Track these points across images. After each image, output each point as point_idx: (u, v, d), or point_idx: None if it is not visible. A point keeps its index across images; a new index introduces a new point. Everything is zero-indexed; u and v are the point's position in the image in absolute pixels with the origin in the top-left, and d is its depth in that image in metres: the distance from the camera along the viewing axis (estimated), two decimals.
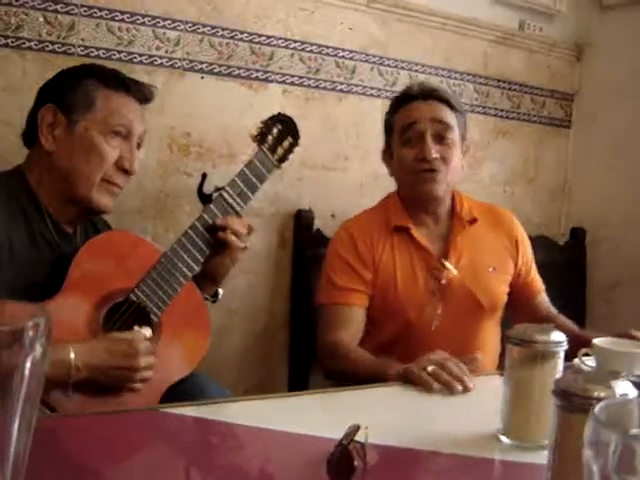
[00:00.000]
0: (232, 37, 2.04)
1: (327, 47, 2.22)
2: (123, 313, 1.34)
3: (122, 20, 1.86)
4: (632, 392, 0.75)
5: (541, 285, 1.84)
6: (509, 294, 1.78)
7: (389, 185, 1.83)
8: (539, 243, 2.53)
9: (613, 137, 2.71)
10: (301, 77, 2.18)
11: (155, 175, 1.97)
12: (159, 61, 1.94)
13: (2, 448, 0.52)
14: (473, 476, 0.93)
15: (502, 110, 2.65)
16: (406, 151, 1.71)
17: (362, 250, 1.70)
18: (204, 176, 1.51)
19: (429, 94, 1.73)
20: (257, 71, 2.10)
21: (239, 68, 2.07)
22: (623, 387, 0.75)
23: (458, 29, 2.48)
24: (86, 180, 1.37)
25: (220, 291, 1.60)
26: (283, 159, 1.61)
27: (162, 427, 1.05)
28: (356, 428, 0.85)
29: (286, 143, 1.61)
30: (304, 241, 2.16)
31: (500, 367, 1.70)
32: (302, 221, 2.17)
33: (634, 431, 0.49)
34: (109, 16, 1.84)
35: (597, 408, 0.47)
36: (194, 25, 1.98)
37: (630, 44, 2.63)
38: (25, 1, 1.73)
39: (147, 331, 1.32)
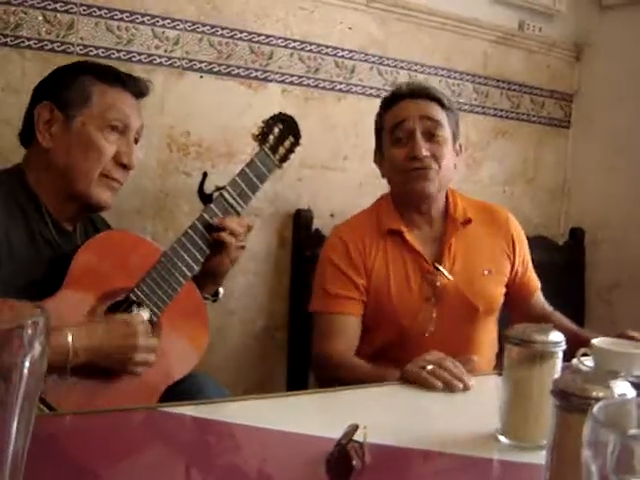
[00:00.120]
0: (231, 36, 2.04)
1: (326, 47, 2.22)
2: (123, 312, 1.34)
3: (121, 19, 1.86)
4: (630, 392, 0.75)
5: (537, 283, 1.82)
6: (505, 294, 1.76)
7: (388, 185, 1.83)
8: (538, 243, 2.53)
9: (613, 137, 2.71)
10: (300, 77, 2.18)
11: (154, 175, 1.96)
12: (158, 60, 1.94)
13: (1, 447, 0.52)
14: (471, 476, 0.93)
15: (501, 110, 2.65)
16: (396, 150, 1.68)
17: (354, 256, 1.67)
18: (205, 175, 1.51)
19: (418, 92, 1.71)
20: (256, 70, 2.10)
21: (238, 67, 2.07)
22: (621, 387, 0.75)
23: (457, 29, 2.48)
24: (85, 176, 1.37)
25: (220, 290, 1.60)
26: (284, 159, 1.61)
27: (161, 426, 1.05)
28: (355, 428, 0.86)
29: (287, 143, 1.61)
30: (303, 241, 2.16)
31: (498, 366, 1.70)
32: (301, 221, 2.17)
33: (632, 431, 0.49)
34: (108, 15, 1.84)
35: (596, 408, 0.47)
36: (193, 24, 1.98)
37: (630, 44, 2.63)
38: (24, 0, 1.73)
39: (145, 314, 1.32)
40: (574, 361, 1.30)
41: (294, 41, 2.15)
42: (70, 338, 1.16)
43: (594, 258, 2.77)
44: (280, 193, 2.17)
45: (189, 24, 1.97)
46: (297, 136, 1.63)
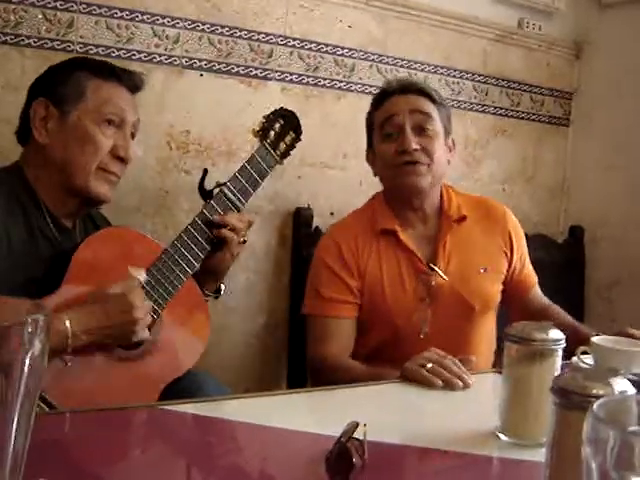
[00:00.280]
0: (231, 35, 2.04)
1: (326, 45, 2.22)
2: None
3: (121, 17, 1.86)
4: (630, 390, 0.75)
5: (534, 278, 1.80)
6: (502, 291, 1.74)
7: None
8: (538, 241, 2.54)
9: (612, 135, 2.71)
10: (300, 75, 2.18)
11: (154, 172, 1.97)
12: (158, 59, 1.94)
13: (1, 444, 0.52)
14: (471, 473, 0.93)
15: (501, 108, 2.65)
16: (386, 145, 1.66)
17: (347, 257, 1.65)
18: (205, 172, 1.51)
19: (407, 87, 1.69)
20: (256, 69, 2.10)
21: (238, 66, 2.06)
22: (621, 385, 0.75)
23: (457, 27, 2.48)
24: (82, 170, 1.37)
25: (222, 286, 1.60)
26: (285, 154, 1.61)
27: (161, 424, 1.06)
28: (355, 425, 0.86)
29: (288, 138, 1.61)
30: (303, 239, 2.16)
31: (496, 363, 1.71)
32: (301, 219, 2.17)
33: (632, 428, 0.49)
34: (108, 13, 1.84)
35: (596, 405, 0.47)
36: (193, 23, 1.98)
37: (629, 42, 2.63)
38: None
39: (141, 275, 1.30)
40: (574, 359, 1.31)
41: (294, 39, 2.15)
42: (68, 323, 1.16)
43: (594, 256, 2.77)
44: (280, 191, 2.17)
45: (189, 22, 1.97)
46: (298, 132, 1.63)
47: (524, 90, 2.70)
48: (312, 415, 1.14)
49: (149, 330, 1.31)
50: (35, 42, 1.76)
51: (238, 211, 1.49)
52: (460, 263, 1.66)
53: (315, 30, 2.19)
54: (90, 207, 1.48)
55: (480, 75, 2.57)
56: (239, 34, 2.06)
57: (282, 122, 1.59)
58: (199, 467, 0.90)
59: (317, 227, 2.17)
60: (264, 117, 1.58)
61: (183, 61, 1.98)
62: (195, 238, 1.43)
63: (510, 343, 1.01)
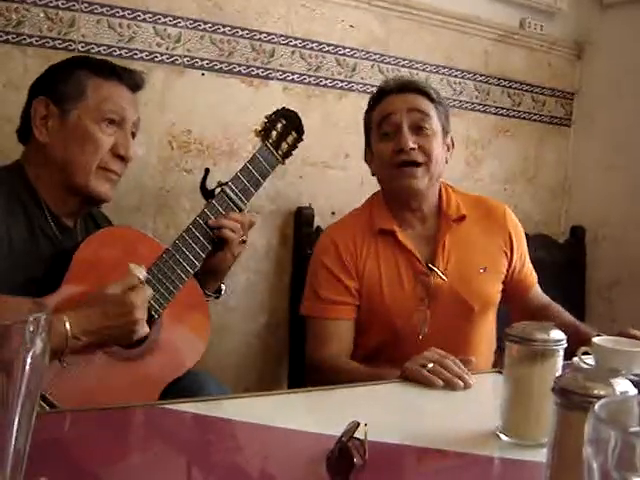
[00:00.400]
0: (233, 34, 2.04)
1: (328, 44, 2.22)
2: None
3: (123, 17, 1.86)
4: (631, 390, 0.75)
5: (534, 277, 1.79)
6: (502, 290, 1.73)
7: None
8: (539, 241, 2.54)
9: (613, 135, 2.71)
10: (302, 74, 2.18)
11: (155, 172, 1.97)
12: (160, 58, 1.93)
13: (2, 444, 0.52)
14: (472, 473, 0.93)
15: (503, 108, 2.65)
16: (383, 145, 1.65)
17: (346, 258, 1.64)
18: (207, 171, 1.51)
19: (405, 86, 1.68)
20: (258, 68, 2.10)
21: (240, 65, 2.06)
22: (622, 385, 0.75)
23: (459, 27, 2.48)
24: (82, 169, 1.37)
25: (223, 287, 1.60)
26: (287, 154, 1.61)
27: (161, 424, 1.05)
28: (355, 425, 0.86)
29: (290, 138, 1.60)
30: (304, 239, 2.15)
31: (496, 363, 1.70)
32: (302, 219, 2.17)
33: (634, 428, 0.49)
34: (110, 12, 1.84)
35: (597, 405, 0.47)
36: (195, 22, 1.98)
37: (630, 42, 2.63)
38: None
39: (141, 272, 1.28)
40: (575, 359, 1.31)
41: (295, 39, 2.15)
42: (68, 325, 1.16)
43: (594, 256, 2.77)
44: (281, 191, 2.17)
45: (191, 22, 1.97)
46: (300, 131, 1.63)
47: (525, 90, 2.70)
48: (313, 415, 1.14)
49: (150, 328, 1.31)
50: (37, 41, 1.76)
51: (240, 211, 1.49)
52: (459, 263, 1.65)
53: (317, 30, 2.19)
54: (91, 206, 1.48)
55: (482, 75, 2.57)
56: (241, 33, 2.06)
57: (284, 122, 1.59)
58: (199, 466, 0.90)
59: (318, 227, 2.17)
60: (266, 117, 1.58)
61: (185, 60, 1.98)
62: (196, 238, 1.43)
63: (511, 343, 1.01)
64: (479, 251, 1.69)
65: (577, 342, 1.31)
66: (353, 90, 2.28)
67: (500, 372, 1.06)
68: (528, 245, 1.81)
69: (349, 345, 1.64)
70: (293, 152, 1.63)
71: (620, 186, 2.68)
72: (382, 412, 1.10)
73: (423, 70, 2.42)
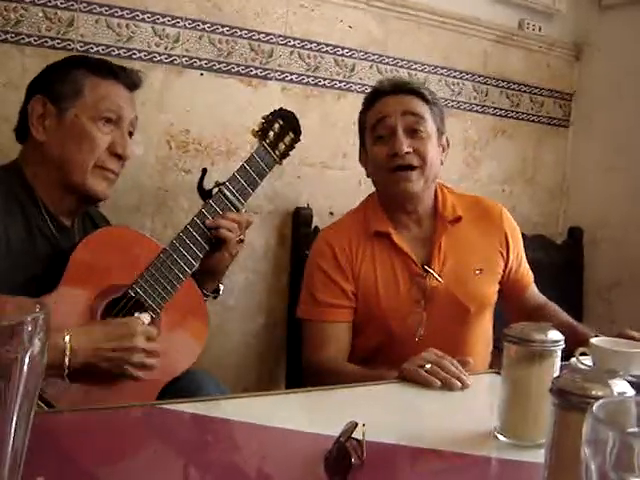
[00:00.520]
0: (232, 34, 2.04)
1: (326, 45, 2.22)
2: (122, 308, 1.34)
3: (122, 16, 1.86)
4: (629, 391, 0.75)
5: (531, 277, 1.79)
6: (499, 291, 1.72)
7: None
8: (537, 242, 2.54)
9: (612, 137, 2.71)
10: (300, 75, 2.18)
11: (154, 172, 1.96)
12: (158, 58, 1.93)
13: (0, 443, 0.52)
14: (470, 474, 0.93)
15: (501, 109, 2.65)
16: (378, 148, 1.64)
17: (341, 261, 1.63)
18: (204, 171, 1.51)
19: (399, 88, 1.67)
20: (256, 68, 2.10)
21: (238, 65, 2.06)
22: (620, 386, 0.75)
23: (457, 28, 2.48)
24: (79, 167, 1.37)
25: (221, 286, 1.60)
26: (284, 155, 1.61)
27: (159, 423, 1.06)
28: (353, 425, 0.86)
29: (287, 139, 1.60)
30: (302, 239, 2.15)
31: (493, 363, 1.70)
32: (300, 219, 2.17)
33: (631, 429, 0.49)
34: (109, 12, 1.84)
35: (595, 406, 0.47)
36: (194, 22, 1.98)
37: (629, 44, 2.63)
38: None
39: (146, 318, 1.31)
40: (573, 360, 1.31)
41: (294, 39, 2.15)
42: (68, 338, 1.16)
43: (593, 257, 2.77)
44: (279, 191, 2.17)
45: (189, 22, 1.97)
46: (297, 132, 1.63)
47: (524, 91, 2.70)
48: (311, 415, 1.14)
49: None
50: (35, 41, 1.76)
51: (237, 211, 1.49)
52: (455, 264, 1.65)
53: (315, 30, 2.19)
54: (88, 205, 1.48)
55: (480, 76, 2.57)
56: (239, 34, 2.06)
57: (281, 122, 1.59)
58: (197, 466, 0.90)
59: (316, 227, 2.17)
60: (263, 117, 1.58)
61: (183, 60, 1.98)
62: (194, 238, 1.43)
63: (509, 344, 1.01)
64: (475, 252, 1.68)
65: (575, 343, 1.31)
66: (351, 90, 2.28)
67: (497, 373, 1.06)
68: (526, 246, 1.81)
69: (346, 347, 1.64)
70: (290, 152, 1.63)
71: (619, 187, 2.68)
72: (380, 412, 1.10)
73: (421, 71, 2.42)
